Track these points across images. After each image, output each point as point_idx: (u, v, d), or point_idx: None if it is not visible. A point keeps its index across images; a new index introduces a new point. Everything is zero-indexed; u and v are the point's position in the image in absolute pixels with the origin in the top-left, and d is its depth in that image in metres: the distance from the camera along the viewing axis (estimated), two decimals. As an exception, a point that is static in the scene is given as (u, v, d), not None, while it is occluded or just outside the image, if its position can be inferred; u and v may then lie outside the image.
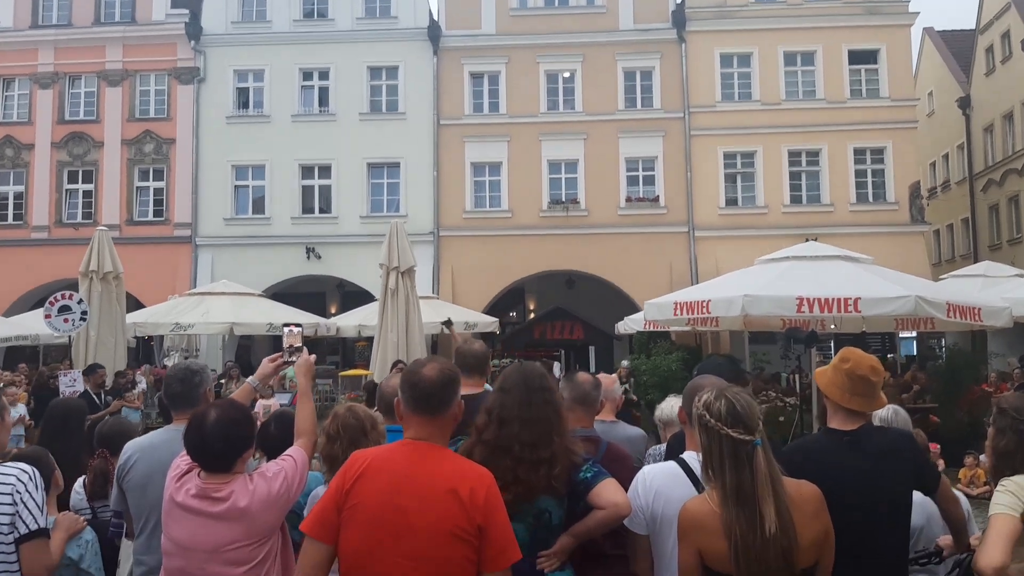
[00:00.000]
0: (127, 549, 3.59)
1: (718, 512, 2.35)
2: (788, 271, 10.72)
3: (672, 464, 2.86)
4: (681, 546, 2.46)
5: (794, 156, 21.88)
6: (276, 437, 3.55)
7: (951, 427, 11.50)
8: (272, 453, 3.50)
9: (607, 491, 2.76)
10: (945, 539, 3.22)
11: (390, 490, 2.38)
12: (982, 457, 8.68)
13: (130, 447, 3.41)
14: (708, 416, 2.40)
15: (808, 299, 9.46)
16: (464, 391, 3.99)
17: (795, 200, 21.78)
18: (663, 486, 2.79)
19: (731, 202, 22.06)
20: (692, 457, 2.83)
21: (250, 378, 3.51)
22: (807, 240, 17.36)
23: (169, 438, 3.34)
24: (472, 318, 19.09)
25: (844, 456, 2.82)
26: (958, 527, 3.07)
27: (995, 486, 2.77)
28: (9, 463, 2.73)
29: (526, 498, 2.74)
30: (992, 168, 26.22)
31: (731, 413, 2.37)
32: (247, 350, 23.74)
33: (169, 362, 17.64)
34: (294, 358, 3.43)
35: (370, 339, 14.58)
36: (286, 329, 3.51)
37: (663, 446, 4.05)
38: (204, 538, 2.71)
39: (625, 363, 15.68)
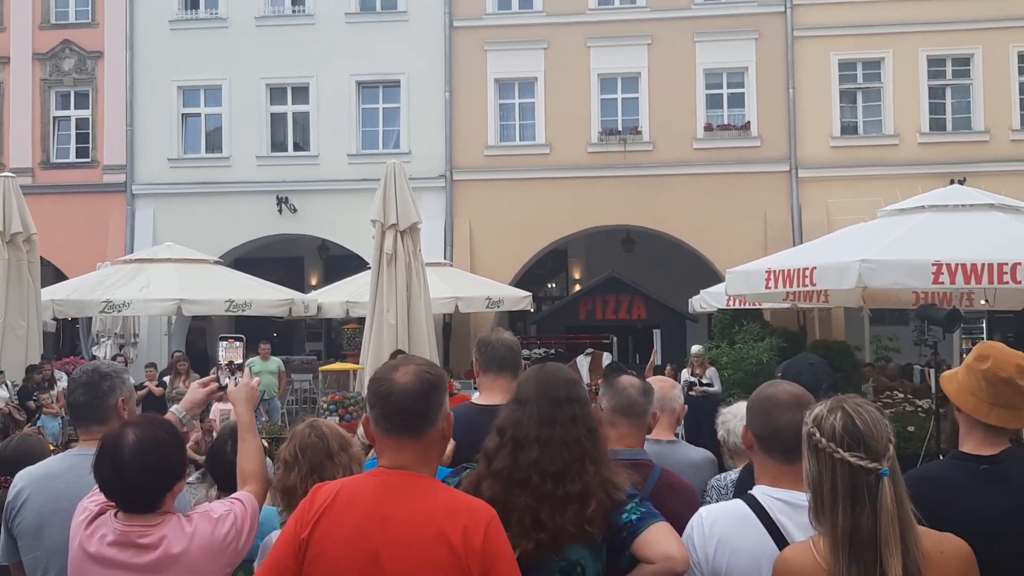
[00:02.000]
0: None
1: (825, 567, 2.36)
2: (923, 227, 10.49)
3: (738, 503, 2.85)
4: None
5: (936, 65, 21.51)
6: (234, 462, 3.57)
7: None
8: (227, 483, 3.56)
9: (658, 539, 2.74)
10: None
11: (360, 534, 2.41)
12: None
13: (20, 478, 3.41)
14: (819, 435, 2.40)
15: (949, 265, 9.25)
16: (488, 399, 4.12)
17: (936, 126, 21.45)
18: (727, 533, 2.78)
19: (848, 130, 21.76)
20: (764, 492, 2.82)
21: (174, 407, 3.54)
22: (952, 182, 17.02)
23: (71, 465, 3.36)
24: (497, 292, 19.14)
25: (982, 492, 2.80)
26: None
27: None
28: None
29: (551, 548, 2.75)
30: None
31: (849, 431, 2.36)
32: (201, 335, 24.08)
33: (99, 352, 17.99)
34: (235, 378, 3.48)
35: (361, 321, 14.69)
36: (223, 343, 3.56)
37: (733, 474, 4.05)
38: None
39: (698, 348, 15.64)
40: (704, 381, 14.49)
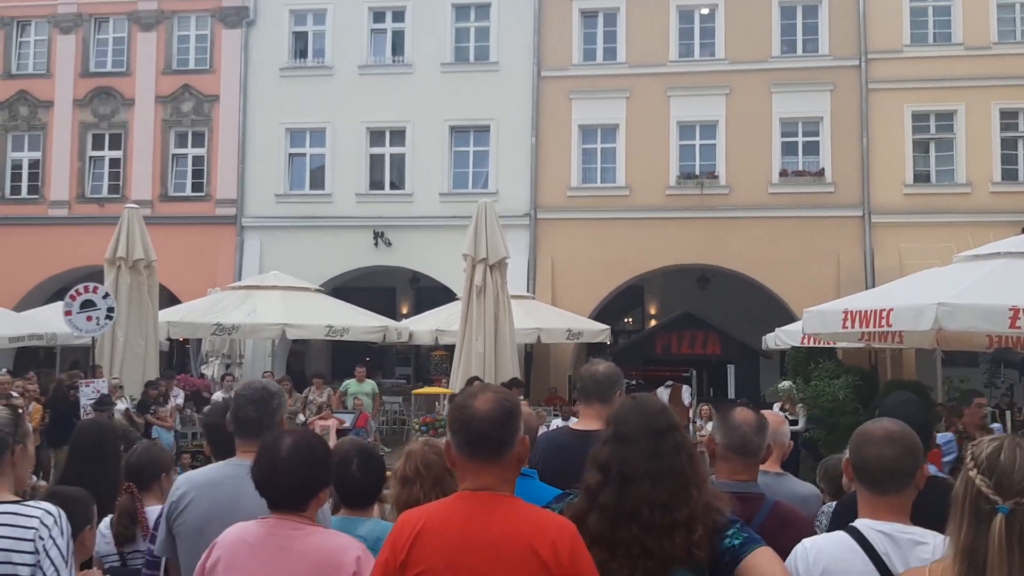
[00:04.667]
0: None
1: None
2: (999, 272, 10.26)
3: (842, 535, 2.80)
4: None
5: (1008, 117, 21.02)
6: (358, 480, 3.59)
7: None
8: (351, 500, 3.57)
9: (763, 564, 2.69)
10: None
11: (456, 555, 2.43)
12: None
13: (184, 482, 3.51)
14: (970, 458, 2.38)
15: (1027, 310, 9.02)
16: (583, 424, 4.17)
17: (1008, 176, 20.93)
18: (832, 563, 2.73)
19: (921, 178, 21.36)
20: (867, 525, 2.76)
21: None
22: (1023, 230, 16.59)
23: (232, 474, 3.43)
24: (577, 324, 19.15)
25: None
26: None
27: None
28: (32, 503, 2.90)
29: (657, 574, 2.71)
30: None
31: (990, 459, 2.32)
32: (300, 359, 24.46)
33: (208, 371, 18.38)
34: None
35: (449, 348, 14.81)
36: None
37: (829, 506, 3.94)
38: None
39: (787, 384, 15.34)
40: (791, 418, 14.20)
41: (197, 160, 24.30)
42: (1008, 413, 11.40)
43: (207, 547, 3.09)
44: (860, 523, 2.78)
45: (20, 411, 3.09)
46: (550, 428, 12.64)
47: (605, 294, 21.96)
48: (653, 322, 24.42)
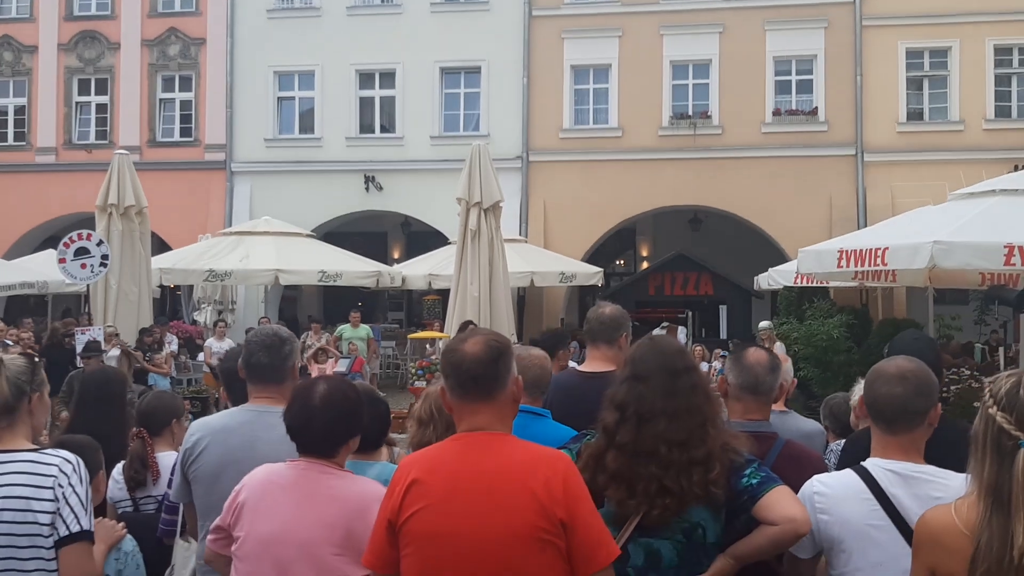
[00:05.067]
0: (182, 551, 3.78)
1: (962, 530, 2.35)
2: (994, 210, 10.24)
3: (850, 474, 2.82)
4: (913, 564, 2.49)
5: (1002, 53, 20.92)
6: (366, 424, 3.62)
7: None
8: (361, 445, 3.62)
9: (781, 502, 2.73)
10: None
11: (449, 494, 2.47)
12: None
13: (198, 428, 3.52)
14: (988, 395, 2.41)
15: (1022, 247, 9.06)
16: (590, 366, 4.24)
17: (1001, 113, 20.88)
18: (837, 503, 2.78)
19: (914, 116, 21.31)
20: (876, 464, 2.79)
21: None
22: (1017, 168, 16.58)
23: (247, 420, 3.44)
24: (570, 267, 19.21)
25: None
26: None
27: None
28: (50, 450, 2.91)
29: (675, 511, 2.76)
30: None
31: (1010, 395, 2.34)
32: (292, 304, 24.49)
33: (200, 318, 18.38)
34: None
35: (441, 292, 14.83)
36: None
37: (839, 443, 3.98)
38: (302, 523, 2.80)
39: (766, 324, 15.44)
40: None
41: (185, 105, 24.09)
42: (1000, 349, 11.50)
43: (222, 492, 3.12)
44: (869, 462, 2.81)
45: (36, 359, 3.09)
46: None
47: (598, 236, 21.97)
48: (645, 264, 24.43)
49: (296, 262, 16.51)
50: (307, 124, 23.50)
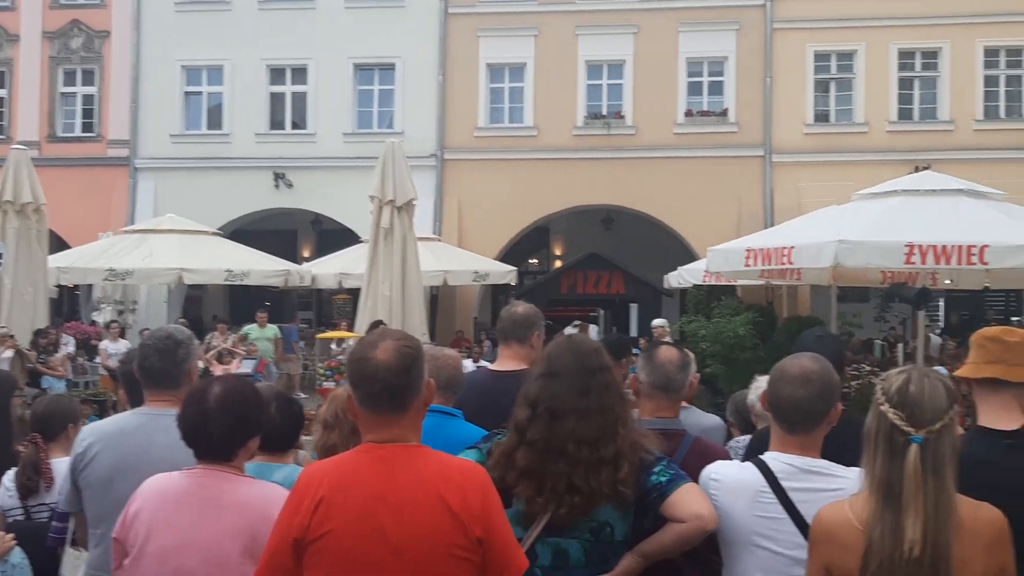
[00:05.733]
0: (72, 560, 3.66)
1: (856, 525, 2.40)
2: (896, 210, 10.57)
3: (748, 466, 2.84)
4: (809, 561, 2.53)
5: (905, 58, 21.48)
6: (277, 425, 3.48)
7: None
8: (268, 445, 3.46)
9: (688, 499, 2.76)
10: None
11: (365, 513, 2.34)
12: None
13: (89, 433, 3.40)
14: (880, 392, 2.46)
15: (921, 247, 9.31)
16: (501, 365, 4.21)
17: (904, 116, 21.45)
18: (733, 493, 2.79)
19: (821, 118, 21.77)
20: (774, 457, 2.80)
21: None
22: (918, 169, 17.05)
23: (140, 424, 3.34)
24: (483, 266, 19.20)
25: (1006, 465, 2.81)
26: None
27: None
28: None
29: (584, 510, 2.76)
30: None
31: (900, 392, 2.41)
32: (197, 304, 23.97)
33: (100, 318, 17.84)
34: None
35: (352, 291, 14.66)
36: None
37: (746, 438, 4.02)
38: (204, 533, 2.69)
39: (660, 321, 15.66)
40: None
41: (87, 99, 23.48)
42: (899, 346, 11.84)
43: (116, 499, 3.01)
44: (768, 455, 2.83)
45: None
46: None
47: (512, 235, 21.99)
48: (559, 263, 24.58)
49: (201, 261, 16.13)
50: (215, 120, 23.06)
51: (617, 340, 6.70)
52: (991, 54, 21.28)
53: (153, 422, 3.27)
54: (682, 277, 17.44)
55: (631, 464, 2.78)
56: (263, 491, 2.80)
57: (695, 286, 17.18)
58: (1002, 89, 21.36)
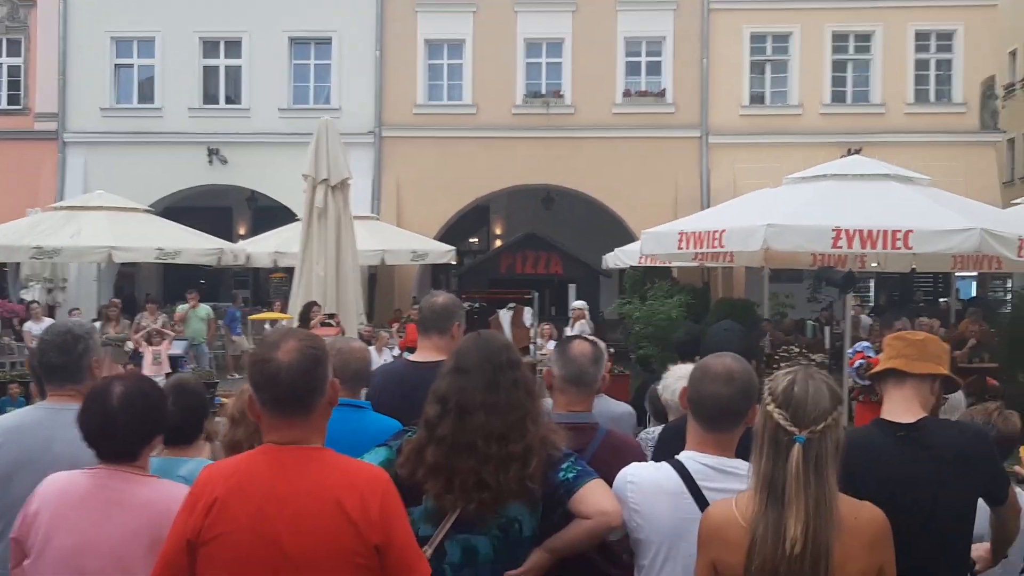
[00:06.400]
0: None
1: (741, 523, 2.44)
2: (824, 194, 10.71)
3: (665, 467, 2.85)
4: (697, 558, 2.58)
5: (839, 40, 21.85)
6: (174, 417, 3.32)
7: (1013, 392, 11.74)
8: (169, 438, 3.38)
9: (594, 495, 2.78)
10: (981, 548, 3.32)
11: (259, 518, 2.31)
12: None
13: None
14: (767, 392, 2.51)
15: (847, 231, 9.47)
16: (420, 356, 4.17)
17: (837, 98, 21.85)
18: (649, 495, 2.80)
19: (756, 99, 22.09)
20: (691, 457, 2.82)
21: None
22: (849, 151, 17.38)
23: (41, 418, 3.27)
24: (422, 245, 19.09)
25: (898, 456, 2.94)
26: (1006, 540, 3.23)
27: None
28: None
29: (492, 506, 2.76)
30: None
31: (786, 393, 2.46)
32: (130, 281, 23.55)
33: (28, 296, 17.43)
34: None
35: (289, 271, 14.49)
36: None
37: (658, 429, 4.04)
38: (108, 534, 2.65)
39: (579, 304, 15.78)
40: (571, 334, 14.63)
41: (13, 71, 22.82)
42: (827, 328, 12.09)
43: (16, 495, 2.95)
44: (684, 455, 2.85)
45: None
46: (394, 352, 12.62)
47: (451, 214, 21.94)
48: (499, 242, 24.59)
49: (131, 239, 15.76)
50: (147, 93, 22.57)
51: (691, 337, 6.24)
52: (922, 37, 21.69)
53: (55, 416, 3.20)
54: (619, 258, 17.56)
55: (540, 459, 2.79)
56: (167, 491, 2.77)
57: (632, 267, 17.31)
58: (932, 73, 21.81)
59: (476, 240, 26.07)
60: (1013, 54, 30.57)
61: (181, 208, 21.94)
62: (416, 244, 19.01)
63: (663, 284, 15.38)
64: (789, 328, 15.82)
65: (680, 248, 11.03)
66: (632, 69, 22.10)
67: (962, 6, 21.40)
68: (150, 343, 12.77)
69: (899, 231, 9.43)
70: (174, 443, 3.40)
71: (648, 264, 15.47)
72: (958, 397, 4.08)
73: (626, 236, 19.32)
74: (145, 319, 14.31)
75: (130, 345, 13.10)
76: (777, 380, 2.52)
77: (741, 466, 2.77)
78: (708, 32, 21.70)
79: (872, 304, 23.06)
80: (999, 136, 22.20)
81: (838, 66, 21.90)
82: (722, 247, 10.52)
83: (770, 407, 2.46)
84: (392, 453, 2.91)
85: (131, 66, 22.63)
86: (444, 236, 21.49)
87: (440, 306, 4.19)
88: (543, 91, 21.99)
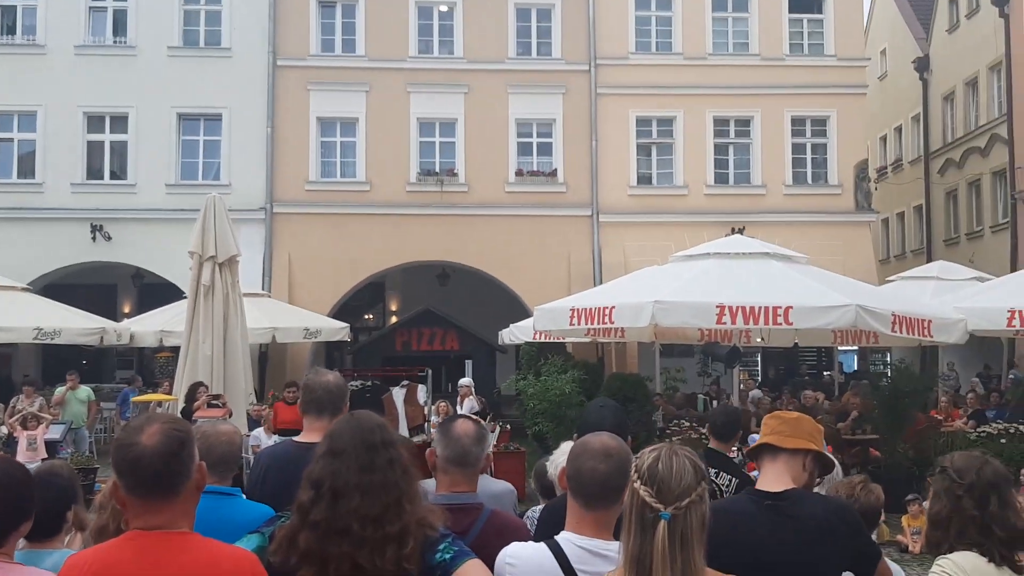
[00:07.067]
0: None
1: None
2: (708, 272, 11.12)
3: (542, 548, 2.84)
4: None
5: (721, 124, 22.73)
6: (38, 509, 3.27)
7: (894, 463, 12.18)
8: (31, 531, 3.27)
9: None
10: None
11: None
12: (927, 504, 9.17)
13: None
14: (634, 470, 2.51)
15: (731, 307, 9.83)
16: (308, 437, 4.08)
17: (720, 180, 22.65)
18: (525, 573, 2.78)
19: (644, 180, 22.72)
20: (568, 539, 2.83)
21: None
22: (732, 230, 18.00)
23: None
24: (314, 323, 18.87)
25: (764, 523, 3.05)
26: None
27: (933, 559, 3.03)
28: None
29: None
30: (951, 146, 27.92)
31: (651, 470, 2.46)
32: (7, 362, 22.59)
33: None
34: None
35: (175, 350, 14.10)
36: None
37: (539, 509, 4.03)
38: None
39: (465, 381, 15.86)
40: (461, 413, 14.67)
41: None
42: (715, 403, 12.37)
43: None
44: (562, 536, 2.84)
45: None
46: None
47: (345, 291, 21.79)
48: (394, 319, 24.50)
49: (8, 318, 15.20)
50: (27, 168, 21.90)
51: (730, 420, 5.95)
52: (798, 123, 22.75)
53: None
54: (513, 334, 17.70)
55: (416, 541, 2.74)
56: None
57: (527, 343, 17.44)
58: (809, 156, 22.86)
59: (371, 317, 25.91)
60: (884, 139, 32.45)
61: (63, 286, 21.26)
62: (309, 322, 18.77)
63: (557, 360, 15.51)
64: (681, 402, 16.10)
65: (572, 324, 11.24)
66: (524, 149, 22.54)
67: (834, 94, 22.56)
68: (25, 427, 12.21)
69: (780, 307, 9.84)
70: (37, 536, 3.25)
71: (543, 340, 15.62)
72: (837, 472, 4.27)
73: (522, 311, 19.50)
74: (21, 402, 13.68)
75: (3, 430, 12.50)
76: (643, 457, 2.54)
77: (616, 548, 2.76)
78: (596, 115, 22.33)
79: (759, 378, 23.69)
80: (873, 216, 23.31)
81: (720, 149, 22.74)
82: (612, 323, 10.78)
83: (636, 484, 2.48)
84: (264, 540, 2.83)
85: (11, 140, 21.99)
86: (338, 313, 21.32)
87: (335, 386, 4.13)
88: (437, 169, 22.20)
